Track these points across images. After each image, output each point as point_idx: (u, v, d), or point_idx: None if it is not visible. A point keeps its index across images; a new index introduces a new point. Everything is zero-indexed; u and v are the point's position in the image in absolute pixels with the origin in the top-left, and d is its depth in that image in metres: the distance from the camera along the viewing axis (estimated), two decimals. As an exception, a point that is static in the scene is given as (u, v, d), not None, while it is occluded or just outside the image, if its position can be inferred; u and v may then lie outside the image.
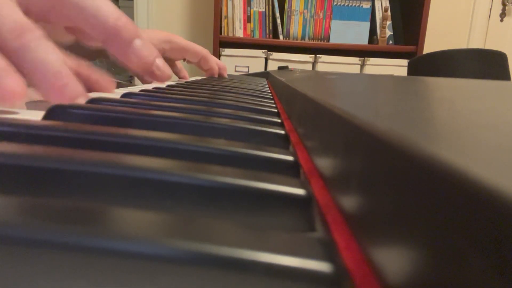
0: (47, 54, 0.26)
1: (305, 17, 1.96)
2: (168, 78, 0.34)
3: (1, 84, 0.21)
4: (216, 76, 0.74)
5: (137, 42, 0.28)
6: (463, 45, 2.16)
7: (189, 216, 0.09)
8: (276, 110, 0.30)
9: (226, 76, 0.78)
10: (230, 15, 1.93)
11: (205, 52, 0.69)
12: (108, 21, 0.27)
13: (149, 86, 0.46)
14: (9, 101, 0.21)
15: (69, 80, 0.26)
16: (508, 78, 1.41)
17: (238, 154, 0.15)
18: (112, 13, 0.28)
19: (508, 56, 1.43)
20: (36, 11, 0.27)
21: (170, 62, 0.70)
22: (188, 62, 0.72)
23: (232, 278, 0.07)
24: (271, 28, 1.97)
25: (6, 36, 0.25)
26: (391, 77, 0.46)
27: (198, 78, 0.76)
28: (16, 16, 0.26)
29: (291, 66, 1.68)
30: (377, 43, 1.95)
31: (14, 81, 0.22)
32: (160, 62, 0.32)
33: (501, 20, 2.15)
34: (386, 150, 0.08)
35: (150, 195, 0.11)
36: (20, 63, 0.25)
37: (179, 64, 0.75)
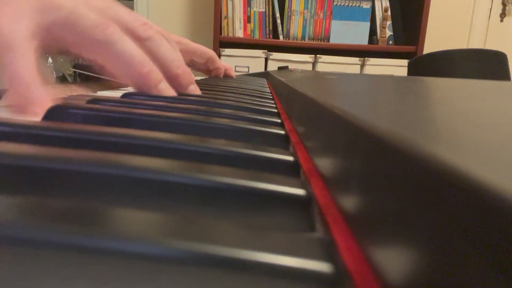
0: (130, 46, 0.29)
1: (305, 17, 1.96)
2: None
3: (28, 94, 0.23)
4: (222, 76, 0.75)
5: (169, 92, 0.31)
6: (463, 45, 2.16)
7: (189, 216, 0.09)
8: (276, 110, 0.30)
9: (234, 76, 0.79)
10: (230, 15, 1.93)
11: (212, 54, 0.71)
12: (141, 71, 0.29)
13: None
14: (33, 110, 0.23)
15: (152, 67, 0.30)
16: (508, 78, 1.41)
17: (238, 154, 0.15)
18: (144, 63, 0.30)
19: (508, 56, 1.43)
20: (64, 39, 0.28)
21: None
22: (193, 65, 0.72)
23: (232, 278, 0.07)
24: (271, 28, 1.97)
25: (90, 31, 0.27)
26: (391, 77, 0.46)
27: (198, 78, 0.76)
28: (92, 14, 0.28)
29: (291, 66, 1.68)
30: (377, 43, 1.96)
31: (41, 91, 0.23)
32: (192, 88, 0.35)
33: (501, 20, 2.15)
34: (386, 150, 0.08)
35: (150, 195, 0.11)
36: (106, 55, 0.28)
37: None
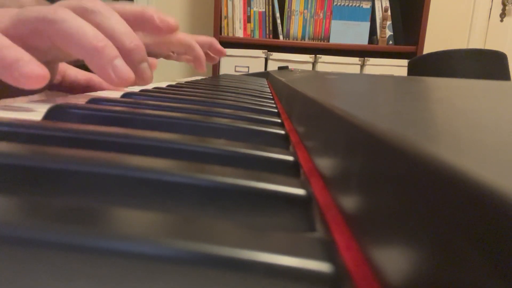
0: (81, 22, 0.28)
1: (305, 17, 1.96)
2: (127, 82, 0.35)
3: (23, 71, 0.23)
4: (203, 63, 0.65)
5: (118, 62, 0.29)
6: (463, 45, 2.16)
7: (189, 216, 0.09)
8: (276, 110, 0.30)
9: (220, 47, 0.70)
10: (230, 15, 1.93)
11: (191, 41, 0.63)
12: (95, 44, 0.28)
13: (148, 87, 0.46)
14: (33, 85, 0.23)
15: (106, 42, 0.29)
16: (508, 78, 1.41)
17: (238, 154, 0.15)
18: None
19: (508, 56, 1.43)
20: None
21: (159, 55, 0.68)
22: (177, 57, 0.68)
23: (232, 278, 0.07)
24: (271, 28, 1.97)
25: (40, 14, 0.27)
26: (391, 77, 0.46)
27: (198, 78, 0.76)
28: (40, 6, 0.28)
29: (291, 66, 1.68)
30: (377, 43, 1.95)
31: (37, 66, 0.23)
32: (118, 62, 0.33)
33: (501, 20, 2.15)
34: (386, 150, 0.08)
35: (150, 195, 0.11)
36: (60, 36, 0.28)
37: (173, 55, 0.72)
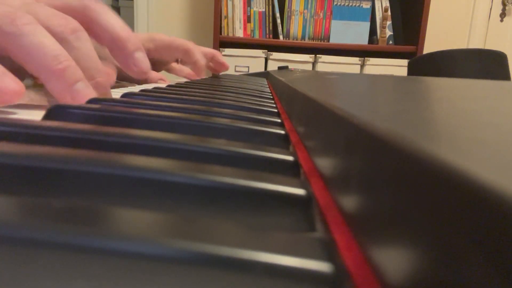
0: (43, 38, 0.25)
1: (305, 17, 1.96)
2: (144, 73, 0.35)
3: (1, 86, 0.21)
4: (202, 70, 0.66)
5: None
6: (463, 45, 2.16)
7: (189, 216, 0.09)
8: (276, 110, 0.30)
9: (223, 61, 0.71)
10: (230, 15, 1.93)
11: (189, 45, 0.63)
12: (55, 66, 0.25)
13: (149, 86, 0.46)
14: (8, 101, 0.21)
15: (69, 63, 0.25)
16: (508, 78, 1.41)
17: (238, 154, 0.15)
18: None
19: (508, 56, 1.43)
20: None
21: (161, 64, 0.67)
22: (183, 62, 0.68)
23: (232, 278, 0.07)
24: (271, 28, 1.97)
25: (2, 22, 0.24)
26: (391, 77, 0.46)
27: (198, 78, 0.76)
28: (1, 7, 0.25)
29: (291, 66, 1.68)
30: (377, 43, 1.96)
31: (11, 80, 0.22)
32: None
33: (501, 20, 2.15)
34: (386, 150, 0.08)
35: (150, 195, 0.11)
36: (16, 51, 0.24)
37: (177, 65, 0.72)
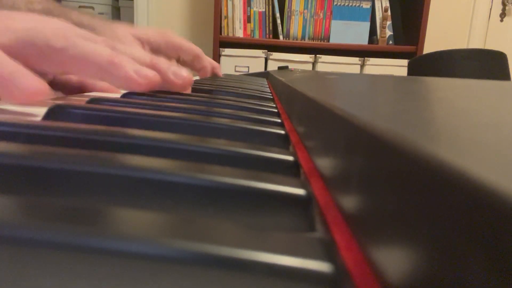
0: (93, 45, 0.27)
1: (305, 17, 1.96)
2: (189, 83, 0.35)
3: (20, 84, 0.22)
4: (209, 75, 0.71)
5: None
6: (463, 45, 2.16)
7: (189, 216, 0.09)
8: (276, 110, 0.30)
9: (221, 75, 0.75)
10: (230, 15, 1.93)
11: (199, 51, 0.67)
12: (112, 59, 0.27)
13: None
14: (32, 99, 0.22)
15: (122, 57, 0.27)
16: (508, 78, 1.41)
17: (238, 154, 0.15)
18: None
19: (508, 56, 1.43)
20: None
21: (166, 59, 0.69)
22: (182, 62, 0.70)
23: (232, 278, 0.07)
24: (271, 28, 1.97)
25: (49, 41, 0.25)
26: (391, 77, 0.46)
27: (198, 78, 0.76)
28: (50, 29, 0.26)
29: (291, 66, 1.68)
30: (377, 43, 1.95)
31: (35, 79, 0.22)
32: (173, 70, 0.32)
33: (501, 20, 2.15)
34: (386, 150, 0.08)
35: (150, 195, 0.11)
36: (70, 60, 0.26)
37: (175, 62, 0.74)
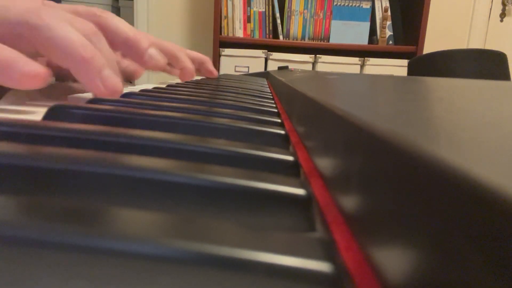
0: (69, 30, 0.26)
1: (305, 17, 1.96)
2: (162, 67, 0.37)
3: (21, 69, 0.22)
4: (192, 77, 0.60)
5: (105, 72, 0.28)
6: (463, 45, 2.16)
7: (189, 216, 0.09)
8: (276, 110, 0.30)
9: (213, 71, 0.68)
10: (230, 15, 1.93)
11: (177, 51, 0.58)
12: (83, 55, 0.26)
13: (149, 86, 0.46)
14: (33, 84, 0.22)
15: (95, 52, 0.27)
16: (508, 78, 1.41)
17: (238, 154, 0.15)
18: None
19: (508, 56, 1.43)
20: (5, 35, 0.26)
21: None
22: (171, 69, 0.65)
23: (232, 278, 0.07)
24: (271, 28, 1.97)
25: (22, 16, 0.25)
26: (391, 77, 0.46)
27: (198, 78, 0.76)
28: (24, 4, 0.26)
29: (291, 66, 1.68)
30: (377, 43, 1.95)
31: (36, 65, 0.22)
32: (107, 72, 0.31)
33: (501, 20, 2.15)
34: (386, 150, 0.08)
35: (150, 195, 0.11)
36: (44, 43, 0.25)
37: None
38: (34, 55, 0.28)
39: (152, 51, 0.36)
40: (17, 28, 0.25)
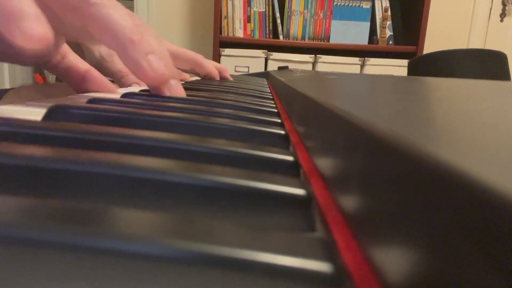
0: (121, 13, 0.27)
1: (305, 17, 1.96)
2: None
3: (24, 26, 0.21)
4: (218, 79, 0.69)
5: (151, 57, 0.28)
6: (463, 45, 2.16)
7: (189, 216, 0.09)
8: (276, 110, 0.30)
9: (230, 78, 0.73)
10: (230, 15, 1.93)
11: (199, 58, 0.64)
12: (132, 37, 0.27)
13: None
14: (33, 45, 0.21)
15: (143, 36, 0.27)
16: (508, 78, 1.41)
17: (238, 154, 0.15)
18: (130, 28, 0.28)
19: (508, 56, 1.43)
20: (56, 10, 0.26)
21: None
22: (183, 70, 0.67)
23: (232, 278, 0.07)
24: (271, 28, 1.97)
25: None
26: (391, 77, 0.46)
27: (198, 78, 0.76)
28: None
29: (291, 66, 1.69)
30: (377, 43, 1.96)
31: (39, 25, 0.21)
32: (174, 83, 0.32)
33: (501, 20, 2.15)
34: (386, 150, 0.08)
35: (150, 195, 0.11)
36: (94, 23, 0.26)
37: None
38: (79, 29, 0.28)
39: (150, 57, 0.35)
40: (73, 1, 0.26)
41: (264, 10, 1.95)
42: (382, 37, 1.94)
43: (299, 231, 0.10)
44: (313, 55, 1.89)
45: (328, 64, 1.89)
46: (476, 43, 2.15)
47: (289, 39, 1.97)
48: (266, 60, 1.90)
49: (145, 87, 0.50)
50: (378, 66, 1.90)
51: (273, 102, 0.37)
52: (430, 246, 0.06)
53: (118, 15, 0.27)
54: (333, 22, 1.95)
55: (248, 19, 1.95)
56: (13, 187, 0.11)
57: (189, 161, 0.13)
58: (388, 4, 1.95)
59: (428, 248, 0.06)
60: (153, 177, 0.11)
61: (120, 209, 0.09)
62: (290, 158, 0.15)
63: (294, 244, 0.08)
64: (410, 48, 1.87)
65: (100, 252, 0.07)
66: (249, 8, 1.94)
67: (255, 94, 0.41)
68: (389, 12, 1.93)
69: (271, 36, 1.98)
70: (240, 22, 1.94)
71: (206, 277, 0.07)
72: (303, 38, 1.98)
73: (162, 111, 0.22)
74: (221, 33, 1.91)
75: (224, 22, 1.93)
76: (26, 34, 0.21)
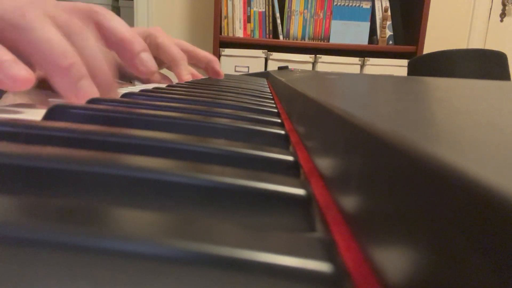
0: (51, 34, 0.25)
1: (305, 17, 1.96)
2: (151, 73, 0.36)
3: (10, 72, 0.22)
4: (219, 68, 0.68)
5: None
6: (463, 45, 2.16)
7: (189, 216, 0.09)
8: (276, 110, 0.30)
9: (219, 70, 0.70)
10: (230, 15, 1.93)
11: (211, 57, 0.65)
12: (61, 63, 0.26)
13: (149, 86, 0.46)
14: (18, 87, 0.22)
15: (74, 59, 0.26)
16: (508, 78, 1.41)
17: (238, 154, 0.15)
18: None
19: (508, 56, 1.43)
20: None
21: (161, 63, 0.67)
22: (196, 68, 0.68)
23: (232, 278, 0.07)
24: (271, 28, 1.97)
25: (7, 15, 0.25)
26: (391, 77, 0.46)
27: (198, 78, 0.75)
28: (15, 2, 0.26)
29: (291, 66, 1.68)
30: (377, 43, 1.95)
31: (22, 68, 0.22)
32: (145, 55, 0.33)
33: (501, 20, 2.15)
34: (386, 150, 0.08)
35: (150, 195, 0.11)
36: (25, 44, 0.25)
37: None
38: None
39: (144, 56, 0.36)
40: (2, 26, 0.25)
41: (264, 10, 1.95)
42: (382, 37, 1.93)
43: (299, 231, 0.10)
44: (313, 55, 1.89)
45: (328, 64, 1.89)
46: (476, 43, 2.15)
47: (289, 39, 1.97)
48: (266, 60, 1.90)
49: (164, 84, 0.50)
50: (378, 66, 1.90)
51: (273, 102, 0.37)
52: (430, 246, 0.06)
53: (45, 35, 0.25)
54: (333, 22, 1.95)
55: (248, 19, 1.95)
56: (13, 187, 0.11)
57: (189, 161, 0.13)
58: (388, 4, 1.95)
59: (428, 248, 0.06)
60: (153, 177, 0.11)
61: (120, 209, 0.09)
62: (290, 158, 0.15)
63: (294, 244, 0.08)
64: (410, 48, 1.87)
65: (100, 252, 0.07)
66: (249, 8, 1.94)
67: (255, 94, 0.41)
68: (389, 12, 1.93)
69: (271, 36, 1.98)
70: (240, 22, 1.94)
71: (206, 277, 0.07)
72: (303, 38, 1.98)
73: (162, 111, 0.22)
74: (221, 33, 1.91)
75: (224, 22, 1.93)
76: (13, 80, 0.22)
